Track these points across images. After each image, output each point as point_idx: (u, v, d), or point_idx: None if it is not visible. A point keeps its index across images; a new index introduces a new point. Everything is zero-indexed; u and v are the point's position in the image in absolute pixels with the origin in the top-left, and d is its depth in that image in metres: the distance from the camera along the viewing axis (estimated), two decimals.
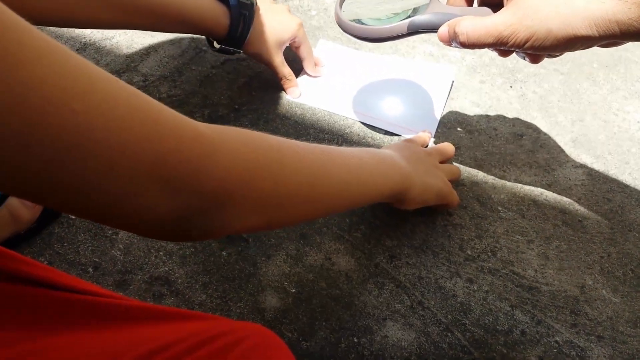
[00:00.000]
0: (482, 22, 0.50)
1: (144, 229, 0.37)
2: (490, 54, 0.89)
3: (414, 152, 0.65)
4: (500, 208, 0.70)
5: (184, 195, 0.34)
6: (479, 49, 0.52)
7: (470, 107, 0.82)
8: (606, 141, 0.79)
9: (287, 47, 0.79)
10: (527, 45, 0.48)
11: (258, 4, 0.74)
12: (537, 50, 0.48)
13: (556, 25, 0.45)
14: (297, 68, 0.83)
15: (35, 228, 0.64)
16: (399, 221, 0.68)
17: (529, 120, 0.80)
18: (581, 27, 0.45)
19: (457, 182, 0.71)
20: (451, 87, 0.84)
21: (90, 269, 0.63)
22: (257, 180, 0.39)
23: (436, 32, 0.56)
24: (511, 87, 0.85)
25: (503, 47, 0.50)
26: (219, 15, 0.70)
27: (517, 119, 0.80)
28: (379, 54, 0.88)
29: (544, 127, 0.80)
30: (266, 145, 0.42)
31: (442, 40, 0.54)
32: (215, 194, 0.36)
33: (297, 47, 0.80)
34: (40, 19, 0.63)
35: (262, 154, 0.40)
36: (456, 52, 0.88)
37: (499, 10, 0.53)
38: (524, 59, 0.55)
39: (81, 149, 0.29)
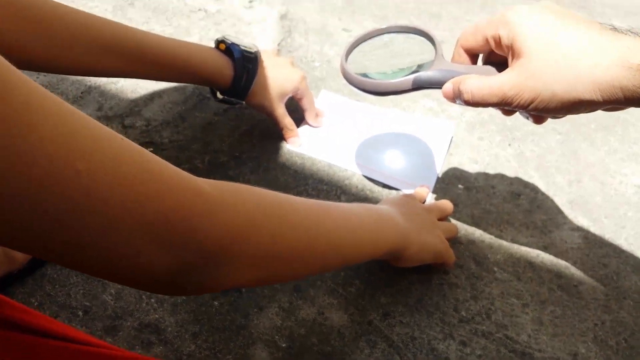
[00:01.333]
0: (486, 82, 0.50)
1: (139, 284, 0.37)
2: (489, 111, 0.90)
3: (413, 208, 0.65)
4: (496, 269, 0.70)
5: (182, 252, 0.35)
6: (483, 107, 0.53)
7: (468, 163, 0.82)
8: (603, 204, 0.79)
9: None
10: (531, 106, 0.48)
11: (262, 56, 0.75)
12: (541, 111, 0.49)
13: (561, 89, 0.46)
14: (299, 117, 0.84)
15: (28, 268, 0.64)
16: (394, 277, 0.68)
17: (526, 179, 0.81)
18: (585, 91, 0.45)
19: (453, 240, 0.71)
20: (450, 142, 0.84)
21: (80, 313, 0.62)
22: (255, 237, 0.40)
23: (440, 88, 0.56)
24: (509, 145, 0.85)
25: (507, 107, 0.51)
26: (223, 67, 0.72)
27: (515, 177, 0.81)
28: (380, 107, 0.89)
29: (541, 186, 0.80)
30: (265, 202, 0.42)
31: (446, 97, 0.55)
32: (213, 251, 0.36)
33: (300, 99, 0.81)
34: (43, 66, 0.64)
35: (261, 211, 0.40)
36: (456, 108, 0.89)
37: (503, 69, 0.53)
38: (527, 118, 0.56)
39: (83, 208, 0.30)
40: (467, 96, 0.52)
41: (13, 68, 0.28)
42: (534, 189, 0.80)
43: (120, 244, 0.32)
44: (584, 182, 0.82)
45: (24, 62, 0.61)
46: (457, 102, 0.54)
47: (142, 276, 0.35)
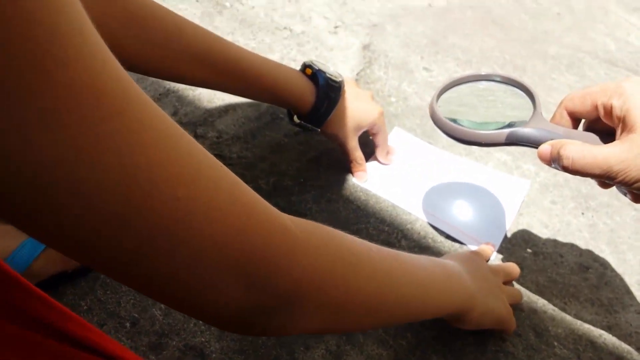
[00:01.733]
0: (591, 151, 0.48)
1: (206, 317, 0.36)
2: (565, 175, 0.87)
3: (480, 268, 0.62)
4: (556, 343, 0.66)
5: (259, 292, 0.33)
6: (581, 176, 0.50)
7: (538, 226, 0.79)
8: None
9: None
10: (635, 185, 0.46)
11: (344, 86, 0.74)
12: None
13: None
14: (368, 152, 0.82)
15: (83, 269, 0.63)
16: (448, 336, 0.65)
17: (596, 253, 0.77)
18: None
19: (515, 306, 0.68)
20: (522, 202, 0.81)
21: (127, 324, 0.61)
22: (331, 285, 0.38)
23: (535, 147, 0.54)
24: (582, 214, 0.82)
25: (609, 181, 0.48)
26: (306, 92, 0.71)
27: (585, 249, 0.77)
28: (451, 153, 0.86)
29: (611, 262, 0.76)
30: (344, 249, 0.40)
31: (541, 159, 0.53)
32: (289, 294, 0.35)
33: (374, 134, 0.79)
34: (133, 65, 0.64)
35: (340, 258, 0.39)
36: (530, 166, 0.86)
37: (606, 139, 0.51)
38: (625, 195, 0.53)
39: (174, 236, 0.29)
40: (566, 162, 0.49)
41: (132, 81, 0.27)
42: (603, 263, 0.76)
43: (200, 277, 0.31)
44: None
45: (120, 61, 0.62)
46: (553, 165, 0.52)
47: (212, 311, 0.34)
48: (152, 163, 0.27)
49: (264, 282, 0.33)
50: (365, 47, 1.00)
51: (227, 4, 1.02)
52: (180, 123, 0.81)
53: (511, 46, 1.08)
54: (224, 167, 0.32)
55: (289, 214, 0.75)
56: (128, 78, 0.26)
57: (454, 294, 0.54)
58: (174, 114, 0.82)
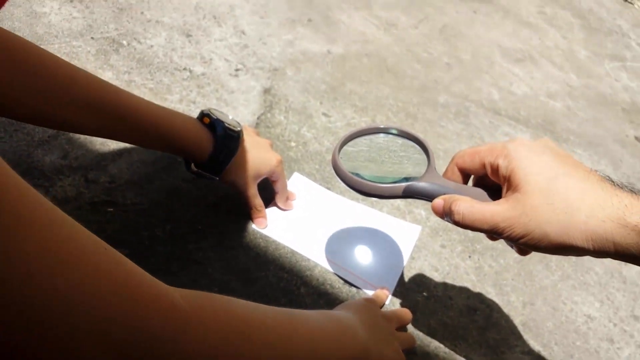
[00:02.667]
0: (479, 208, 0.51)
1: None
2: None
3: (373, 317, 0.64)
4: None
5: None
6: (471, 230, 0.53)
7: (429, 270, 0.82)
8: (554, 330, 0.80)
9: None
10: (521, 241, 0.49)
11: (243, 135, 0.74)
12: (529, 247, 0.50)
13: (554, 231, 0.46)
14: (268, 197, 0.82)
15: None
16: None
17: (483, 295, 0.82)
18: (578, 239, 0.46)
19: (409, 350, 0.70)
20: (414, 246, 0.85)
21: None
22: (223, 357, 0.37)
23: (429, 200, 0.57)
24: (469, 257, 0.86)
25: (496, 236, 0.51)
26: (203, 140, 0.70)
27: (472, 291, 0.81)
28: (348, 199, 0.89)
29: (496, 304, 0.81)
30: (237, 320, 0.40)
31: (435, 212, 0.55)
32: None
33: (273, 182, 0.80)
34: (22, 117, 0.61)
35: (233, 331, 0.39)
36: (422, 211, 0.90)
37: (494, 194, 0.55)
38: (512, 247, 0.56)
39: (52, 329, 0.27)
40: (457, 217, 0.52)
41: (11, 172, 0.26)
42: (489, 305, 0.81)
43: None
44: (537, 305, 0.83)
45: (6, 112, 0.58)
46: (445, 219, 0.54)
47: None
48: (29, 255, 0.26)
49: None
50: (266, 91, 1.01)
51: (124, 42, 1.00)
52: (70, 167, 0.77)
53: (404, 94, 1.13)
54: (109, 247, 0.31)
55: (186, 263, 0.74)
56: (5, 167, 0.25)
57: (350, 348, 0.54)
58: (64, 157, 0.79)
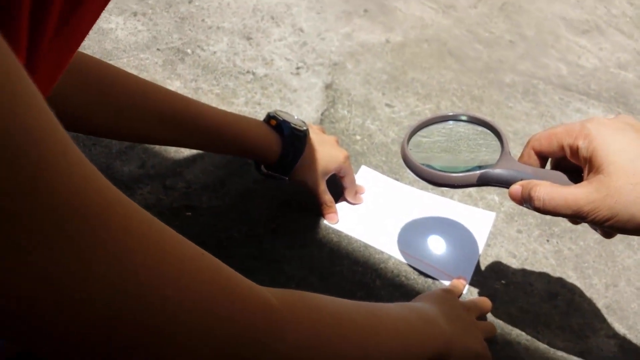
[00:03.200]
0: (560, 192, 0.49)
1: None
2: None
3: (453, 307, 0.63)
4: None
5: None
6: (552, 216, 0.51)
7: (506, 256, 0.81)
8: (639, 311, 0.77)
9: None
10: (606, 224, 0.47)
11: (309, 134, 0.75)
12: (615, 230, 0.48)
13: None
14: (337, 192, 0.83)
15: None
16: None
17: (564, 279, 0.80)
18: None
19: (490, 339, 0.70)
20: (489, 233, 0.84)
21: None
22: (317, 354, 0.39)
23: (506, 187, 0.55)
24: (548, 241, 0.84)
25: (580, 220, 0.50)
26: (272, 143, 0.72)
27: (553, 276, 0.80)
28: (418, 189, 0.88)
29: (578, 288, 0.79)
30: (326, 314, 0.41)
31: (513, 199, 0.54)
32: None
33: (342, 177, 0.81)
34: (100, 132, 0.64)
35: (324, 325, 0.40)
36: (494, 197, 0.89)
37: (574, 176, 0.53)
38: (596, 230, 0.55)
39: (163, 334, 0.29)
40: (538, 203, 0.51)
41: (113, 188, 0.27)
42: (571, 289, 0.79)
43: None
44: (621, 286, 0.80)
45: (83, 128, 0.62)
46: (525, 205, 0.53)
47: None
48: (138, 267, 0.27)
49: None
50: (328, 87, 1.02)
51: (189, 51, 1.03)
52: (148, 176, 0.81)
53: (467, 77, 1.11)
54: (206, 253, 0.33)
55: (263, 262, 0.76)
56: (109, 186, 0.27)
57: (433, 340, 0.55)
58: (142, 167, 0.82)
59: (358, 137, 0.95)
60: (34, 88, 0.23)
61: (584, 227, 0.87)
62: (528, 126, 1.02)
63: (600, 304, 0.77)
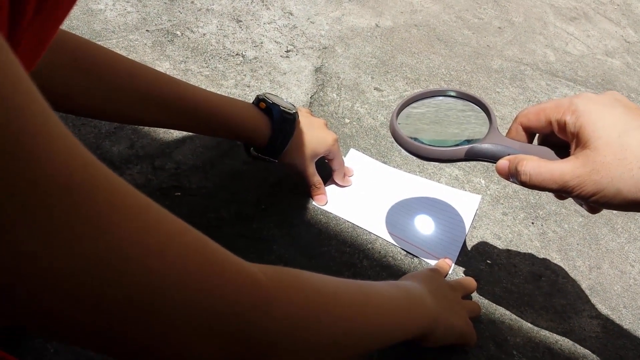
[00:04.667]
0: (547, 167, 0.50)
1: None
2: (513, 187, 0.91)
3: (440, 286, 0.65)
4: (515, 352, 0.70)
5: (235, 348, 0.34)
6: (538, 190, 0.52)
7: (491, 238, 0.82)
8: (622, 293, 0.79)
9: None
10: (591, 199, 0.47)
11: (299, 117, 0.76)
12: (600, 205, 0.48)
13: (626, 187, 0.45)
14: (326, 174, 0.84)
15: None
16: (412, 354, 0.67)
17: (548, 261, 0.81)
18: None
19: (474, 319, 0.71)
20: (474, 215, 0.85)
21: None
22: (303, 330, 0.39)
23: (493, 162, 0.56)
24: (532, 223, 0.86)
25: (565, 195, 0.50)
26: (261, 126, 0.72)
27: (537, 257, 0.81)
28: (406, 171, 0.89)
29: (562, 269, 0.80)
30: (313, 291, 0.42)
31: (500, 173, 0.54)
32: (263, 345, 0.36)
33: (330, 160, 0.81)
34: (87, 113, 0.64)
35: (310, 301, 0.40)
36: (481, 180, 0.90)
37: (561, 152, 0.53)
38: (581, 205, 0.55)
39: (148, 308, 0.29)
40: (524, 177, 0.51)
41: (97, 162, 0.27)
42: (555, 271, 0.80)
43: (175, 343, 0.31)
44: (604, 268, 0.82)
45: (71, 109, 0.61)
46: (511, 180, 0.53)
47: None
48: (123, 241, 0.27)
49: (239, 338, 0.34)
50: (318, 70, 1.02)
51: (178, 33, 1.02)
52: (137, 156, 0.81)
53: (456, 62, 1.12)
54: (192, 228, 0.33)
55: (252, 242, 0.76)
56: (93, 160, 0.27)
57: (419, 318, 0.56)
58: (131, 147, 0.82)
59: (347, 121, 0.96)
60: (13, 58, 0.23)
61: (568, 210, 0.89)
62: (515, 111, 1.04)
63: (583, 285, 0.79)
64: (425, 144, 0.58)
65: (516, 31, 1.26)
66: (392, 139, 0.61)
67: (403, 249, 0.79)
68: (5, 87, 0.22)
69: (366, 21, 1.17)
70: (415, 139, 0.59)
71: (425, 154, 0.58)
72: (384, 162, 0.90)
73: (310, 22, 1.13)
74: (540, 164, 0.50)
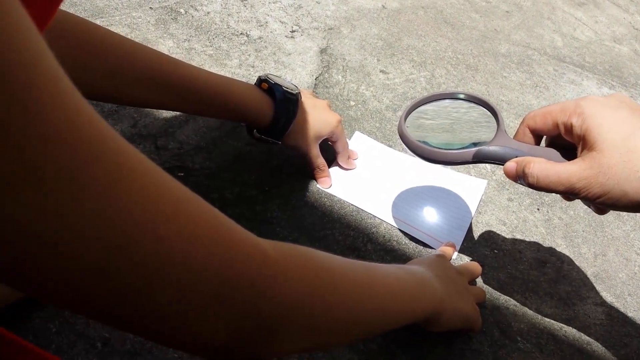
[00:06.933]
0: (554, 169, 0.50)
1: (194, 350, 0.36)
2: None
3: (446, 271, 0.64)
4: (519, 338, 0.69)
5: (243, 320, 0.34)
6: (546, 192, 0.52)
7: (496, 224, 0.82)
8: (627, 280, 0.78)
9: None
10: (598, 201, 0.48)
11: (301, 97, 0.75)
12: (607, 207, 0.49)
13: (633, 189, 0.46)
14: (330, 157, 0.83)
15: None
16: (417, 338, 0.67)
17: (553, 247, 0.80)
18: None
19: (479, 304, 0.70)
20: (480, 201, 0.84)
21: (98, 344, 0.60)
22: (311, 307, 0.39)
23: (501, 164, 0.56)
24: (538, 209, 0.85)
25: (573, 196, 0.51)
26: (264, 107, 0.71)
27: (542, 244, 0.80)
28: (411, 155, 0.88)
29: (567, 256, 0.80)
30: (322, 268, 0.41)
31: (507, 175, 0.55)
32: (271, 319, 0.35)
33: (334, 142, 0.80)
34: (89, 95, 0.62)
35: (318, 278, 0.40)
36: (487, 165, 0.89)
37: (568, 154, 0.54)
38: (589, 206, 0.56)
39: (157, 275, 0.29)
40: (531, 180, 0.52)
41: (105, 123, 0.27)
42: (560, 258, 0.80)
43: (184, 312, 0.31)
44: (609, 256, 0.81)
45: None
46: (519, 182, 0.54)
47: (198, 344, 0.34)
48: (132, 205, 0.27)
49: (247, 310, 0.34)
50: (323, 51, 1.01)
51: (182, 11, 1.01)
52: (140, 135, 0.80)
53: (463, 45, 1.10)
54: (201, 199, 0.32)
55: (255, 223, 0.76)
56: (101, 121, 0.26)
57: (426, 301, 0.55)
58: (134, 126, 0.81)
59: (352, 103, 0.94)
60: (25, 13, 0.22)
61: None
62: (522, 96, 1.02)
63: (588, 272, 0.78)
64: (433, 147, 0.59)
65: (524, 15, 1.25)
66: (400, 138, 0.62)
67: (407, 234, 0.78)
68: (16, 40, 0.21)
69: (373, 2, 1.15)
70: (424, 142, 0.60)
71: (433, 157, 0.59)
72: (389, 146, 0.89)
73: (316, 2, 1.11)
74: (547, 166, 0.51)
